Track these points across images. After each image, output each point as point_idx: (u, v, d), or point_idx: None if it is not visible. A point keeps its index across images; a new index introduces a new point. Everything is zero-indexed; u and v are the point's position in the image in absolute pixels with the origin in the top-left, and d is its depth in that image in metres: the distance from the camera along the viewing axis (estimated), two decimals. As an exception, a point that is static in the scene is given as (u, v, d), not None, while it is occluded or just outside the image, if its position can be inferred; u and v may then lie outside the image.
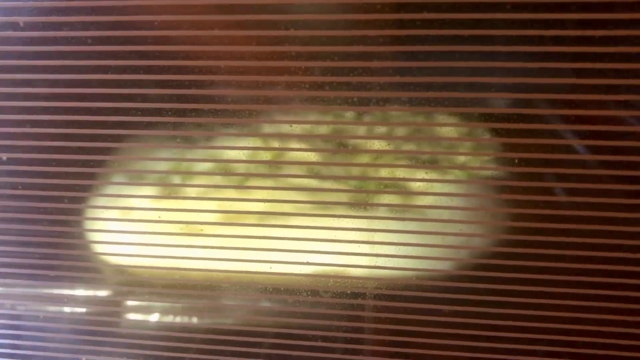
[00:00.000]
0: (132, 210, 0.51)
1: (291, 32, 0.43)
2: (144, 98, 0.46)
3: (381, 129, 0.46)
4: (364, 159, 0.47)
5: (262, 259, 0.50)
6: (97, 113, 0.47)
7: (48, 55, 0.46)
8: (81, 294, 0.55)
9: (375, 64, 0.43)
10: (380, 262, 0.48)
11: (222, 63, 0.45)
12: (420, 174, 0.46)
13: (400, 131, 0.45)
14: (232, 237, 0.50)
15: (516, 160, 0.44)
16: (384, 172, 0.47)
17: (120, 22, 0.45)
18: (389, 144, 0.46)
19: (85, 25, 0.45)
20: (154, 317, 0.55)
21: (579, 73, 0.41)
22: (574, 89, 0.42)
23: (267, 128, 0.47)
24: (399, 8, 0.42)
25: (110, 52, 0.46)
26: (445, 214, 0.47)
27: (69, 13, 0.45)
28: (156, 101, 0.47)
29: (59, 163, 0.49)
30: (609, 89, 0.42)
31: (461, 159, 0.46)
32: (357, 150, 0.46)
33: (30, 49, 0.46)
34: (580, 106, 0.42)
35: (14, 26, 0.46)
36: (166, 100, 0.46)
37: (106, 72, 0.46)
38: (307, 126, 0.46)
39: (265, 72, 0.45)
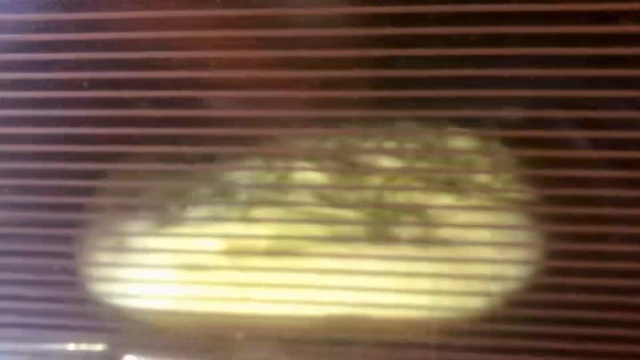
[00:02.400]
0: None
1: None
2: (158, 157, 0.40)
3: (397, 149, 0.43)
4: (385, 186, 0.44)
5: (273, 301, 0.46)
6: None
7: (33, 103, 0.38)
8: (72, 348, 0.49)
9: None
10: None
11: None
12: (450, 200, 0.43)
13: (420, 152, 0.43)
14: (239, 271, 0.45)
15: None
16: (402, 198, 0.44)
17: (127, 60, 0.37)
18: (409, 163, 0.43)
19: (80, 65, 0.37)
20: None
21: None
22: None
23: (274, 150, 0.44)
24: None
25: (113, 100, 0.38)
26: (475, 249, 0.43)
27: (60, 48, 0.37)
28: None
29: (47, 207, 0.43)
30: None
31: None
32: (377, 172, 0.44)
33: (9, 96, 0.38)
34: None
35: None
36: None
37: (108, 125, 0.38)
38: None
39: (271, 87, 0.40)
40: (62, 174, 0.42)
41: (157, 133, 0.40)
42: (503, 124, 0.39)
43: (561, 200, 0.40)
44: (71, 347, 0.49)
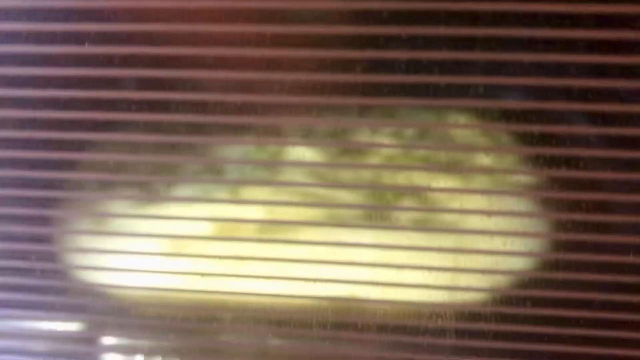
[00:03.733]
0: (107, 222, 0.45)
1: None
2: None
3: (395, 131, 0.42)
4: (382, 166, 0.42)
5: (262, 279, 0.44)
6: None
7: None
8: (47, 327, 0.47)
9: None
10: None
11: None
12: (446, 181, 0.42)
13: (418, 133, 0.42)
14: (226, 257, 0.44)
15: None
16: (401, 180, 0.42)
17: (114, 34, 0.36)
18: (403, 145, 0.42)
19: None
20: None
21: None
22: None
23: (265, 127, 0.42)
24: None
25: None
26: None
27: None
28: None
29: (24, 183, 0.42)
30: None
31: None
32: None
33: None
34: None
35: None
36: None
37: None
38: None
39: (262, 66, 0.39)
40: (40, 145, 0.41)
41: (143, 99, 0.39)
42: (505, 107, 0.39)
43: (565, 183, 0.40)
44: (45, 325, 0.47)
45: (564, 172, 0.39)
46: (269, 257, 0.43)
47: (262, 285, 0.44)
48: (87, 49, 0.38)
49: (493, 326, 0.43)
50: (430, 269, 0.42)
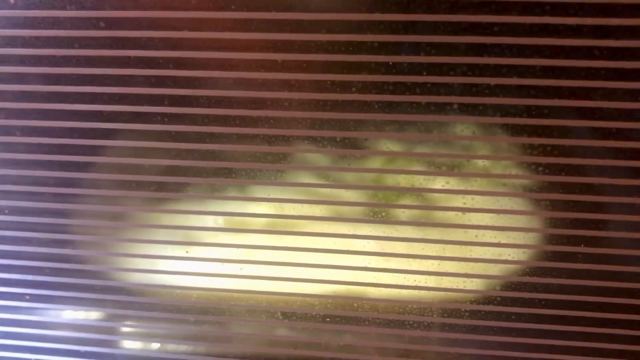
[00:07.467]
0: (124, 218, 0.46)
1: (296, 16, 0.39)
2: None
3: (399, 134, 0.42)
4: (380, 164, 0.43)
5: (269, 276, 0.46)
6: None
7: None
8: (72, 318, 0.49)
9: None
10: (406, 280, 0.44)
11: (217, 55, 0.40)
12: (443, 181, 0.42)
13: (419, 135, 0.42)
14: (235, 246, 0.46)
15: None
16: (403, 180, 0.43)
17: (130, 38, 0.38)
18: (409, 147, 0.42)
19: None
20: (150, 345, 0.50)
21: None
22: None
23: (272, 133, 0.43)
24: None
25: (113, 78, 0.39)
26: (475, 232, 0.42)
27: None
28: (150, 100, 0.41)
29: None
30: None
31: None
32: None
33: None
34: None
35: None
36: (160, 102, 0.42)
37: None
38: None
39: (266, 69, 0.40)
40: (62, 150, 0.44)
41: (158, 111, 0.42)
42: (504, 110, 0.40)
43: (560, 186, 0.41)
44: (68, 313, 0.50)
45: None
46: (276, 260, 0.45)
47: (270, 283, 0.45)
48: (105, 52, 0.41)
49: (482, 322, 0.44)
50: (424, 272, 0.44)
